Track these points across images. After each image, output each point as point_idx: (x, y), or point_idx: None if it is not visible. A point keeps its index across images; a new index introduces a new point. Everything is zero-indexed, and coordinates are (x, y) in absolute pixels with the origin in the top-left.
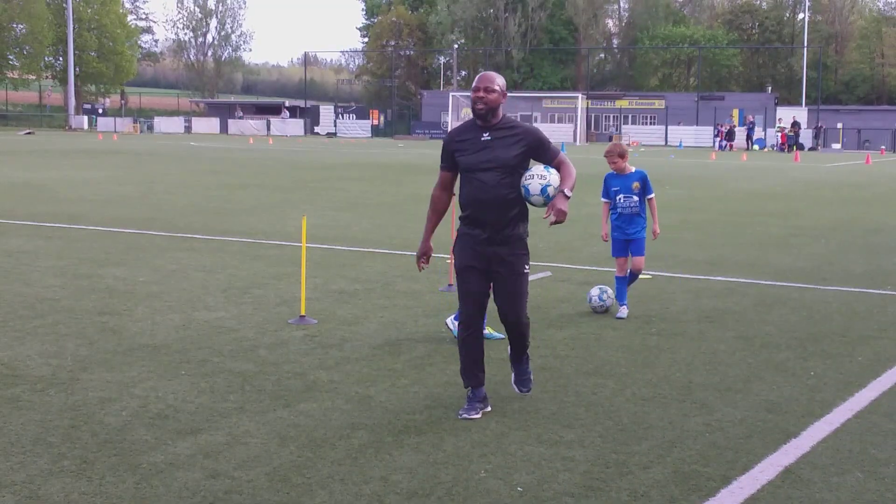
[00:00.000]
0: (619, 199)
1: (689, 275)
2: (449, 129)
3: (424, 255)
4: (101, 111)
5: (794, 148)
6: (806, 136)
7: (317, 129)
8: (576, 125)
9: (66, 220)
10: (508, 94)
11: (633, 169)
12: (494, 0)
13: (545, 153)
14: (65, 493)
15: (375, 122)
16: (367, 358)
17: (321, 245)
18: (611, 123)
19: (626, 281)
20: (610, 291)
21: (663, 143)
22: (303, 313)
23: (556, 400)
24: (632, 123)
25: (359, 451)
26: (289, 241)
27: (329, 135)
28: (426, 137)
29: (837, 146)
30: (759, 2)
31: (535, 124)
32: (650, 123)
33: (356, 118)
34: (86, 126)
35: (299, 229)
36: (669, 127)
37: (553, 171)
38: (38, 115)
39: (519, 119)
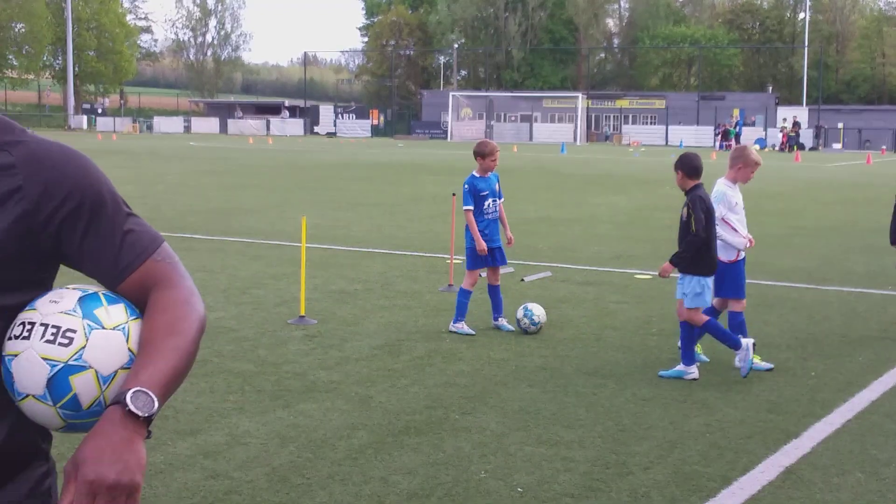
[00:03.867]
0: (488, 203)
1: None
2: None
3: None
4: (100, 111)
5: (795, 148)
6: (807, 136)
7: (316, 129)
8: (576, 125)
9: None
10: (508, 94)
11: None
12: None
13: (103, 242)
14: None
15: (375, 121)
16: (367, 358)
17: (321, 245)
18: (611, 123)
19: (494, 290)
20: (536, 310)
21: (664, 142)
22: (303, 313)
23: (557, 400)
24: (632, 123)
25: (359, 451)
26: (289, 241)
27: (329, 134)
28: (426, 137)
29: (838, 146)
30: (759, 1)
31: (534, 124)
32: (651, 123)
33: (356, 118)
34: (85, 126)
35: (299, 229)
36: (670, 127)
37: (123, 311)
38: (37, 114)
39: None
